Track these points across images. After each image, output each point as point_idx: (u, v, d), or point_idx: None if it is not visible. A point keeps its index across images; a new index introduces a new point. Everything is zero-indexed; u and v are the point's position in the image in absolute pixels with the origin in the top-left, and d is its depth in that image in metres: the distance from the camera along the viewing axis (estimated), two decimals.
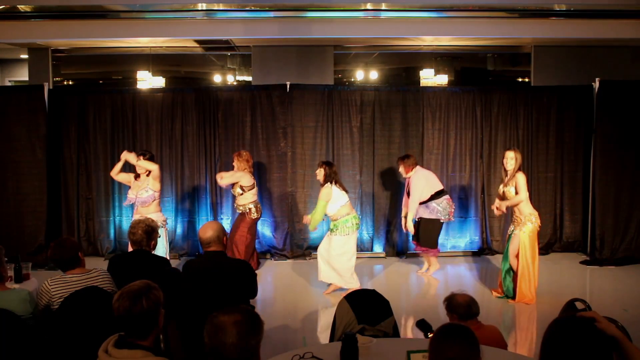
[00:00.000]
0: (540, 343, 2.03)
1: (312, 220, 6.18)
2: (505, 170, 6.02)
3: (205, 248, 3.81)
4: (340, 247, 6.16)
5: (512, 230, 6.04)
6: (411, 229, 6.98)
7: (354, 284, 6.21)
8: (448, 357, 2.07)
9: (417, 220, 7.04)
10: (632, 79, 8.09)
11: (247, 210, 6.88)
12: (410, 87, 8.31)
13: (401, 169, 6.96)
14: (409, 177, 6.93)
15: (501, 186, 6.10)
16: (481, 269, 7.54)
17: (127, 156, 6.34)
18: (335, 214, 6.13)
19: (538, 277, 6.07)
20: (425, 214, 6.96)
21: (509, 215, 6.44)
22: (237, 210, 7.02)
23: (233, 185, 6.94)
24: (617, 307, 5.80)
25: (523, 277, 5.95)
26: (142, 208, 6.18)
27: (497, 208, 6.15)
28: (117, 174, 6.48)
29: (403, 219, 7.12)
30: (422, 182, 6.88)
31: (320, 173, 6.21)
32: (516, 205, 5.95)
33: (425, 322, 3.23)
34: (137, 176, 6.37)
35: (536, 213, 5.99)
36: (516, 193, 5.90)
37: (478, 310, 3.46)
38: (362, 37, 7.92)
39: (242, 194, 6.86)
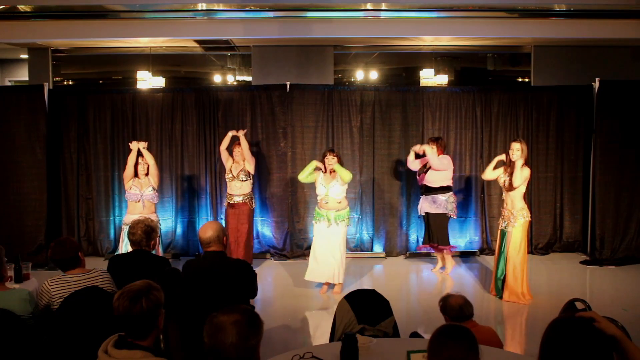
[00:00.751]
0: (540, 343, 2.03)
1: (343, 173, 6.19)
2: (511, 162, 6.00)
3: (205, 248, 3.81)
4: (344, 238, 6.40)
5: (505, 227, 6.03)
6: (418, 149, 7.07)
7: (342, 279, 6.41)
8: (447, 357, 2.07)
9: (422, 215, 7.16)
10: (632, 79, 8.09)
11: (249, 199, 6.95)
12: (410, 87, 8.31)
13: (434, 149, 7.00)
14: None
15: (502, 175, 6.06)
16: (481, 269, 7.53)
17: (139, 145, 6.50)
18: (343, 202, 6.30)
19: (527, 275, 6.14)
20: (432, 208, 7.00)
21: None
22: (235, 200, 6.89)
23: (229, 170, 6.90)
24: (617, 307, 5.80)
25: (515, 274, 5.97)
26: (148, 203, 6.39)
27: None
28: (133, 167, 6.53)
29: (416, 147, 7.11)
30: (445, 164, 6.95)
31: (334, 160, 6.27)
32: (515, 184, 5.89)
33: (418, 334, 3.25)
34: (135, 174, 6.51)
35: (527, 207, 6.05)
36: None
37: (471, 312, 3.47)
38: (362, 37, 7.91)
39: (245, 181, 6.89)
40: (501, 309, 5.97)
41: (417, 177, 7.18)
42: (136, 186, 6.42)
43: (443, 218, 7.01)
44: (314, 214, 6.45)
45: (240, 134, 6.91)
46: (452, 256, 7.45)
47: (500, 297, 6.07)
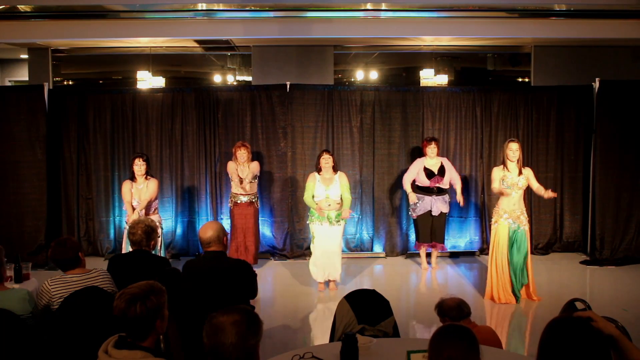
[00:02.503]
0: (538, 343, 2.03)
1: (347, 206, 6.38)
2: (507, 161, 5.94)
3: (205, 248, 3.81)
4: (342, 236, 6.58)
5: (517, 227, 5.92)
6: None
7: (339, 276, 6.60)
8: (448, 357, 2.07)
9: (436, 215, 7.15)
10: (632, 79, 8.09)
11: (255, 199, 7.13)
12: (410, 87, 8.31)
13: (435, 150, 7.15)
14: (442, 159, 7.23)
15: (509, 175, 5.89)
16: (481, 269, 7.53)
17: (134, 216, 6.04)
18: (340, 202, 6.40)
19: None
20: (445, 207, 7.21)
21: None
22: (241, 199, 7.01)
23: (235, 172, 6.98)
24: (617, 307, 5.80)
25: (533, 273, 6.08)
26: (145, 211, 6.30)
27: (550, 192, 5.92)
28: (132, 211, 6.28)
29: (459, 193, 7.12)
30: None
31: (330, 160, 6.41)
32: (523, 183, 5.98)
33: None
34: (133, 178, 6.40)
35: None
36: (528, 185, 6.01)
37: (469, 310, 3.47)
38: (362, 37, 7.92)
39: (252, 183, 7.03)
40: (499, 309, 5.96)
41: (428, 181, 7.11)
42: (135, 197, 6.33)
43: (445, 217, 7.30)
44: (311, 215, 6.46)
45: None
46: (458, 256, 7.60)
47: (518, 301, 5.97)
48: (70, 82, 9.21)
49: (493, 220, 6.07)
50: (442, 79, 8.55)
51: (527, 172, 6.02)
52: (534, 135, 8.10)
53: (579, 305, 2.88)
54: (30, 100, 7.76)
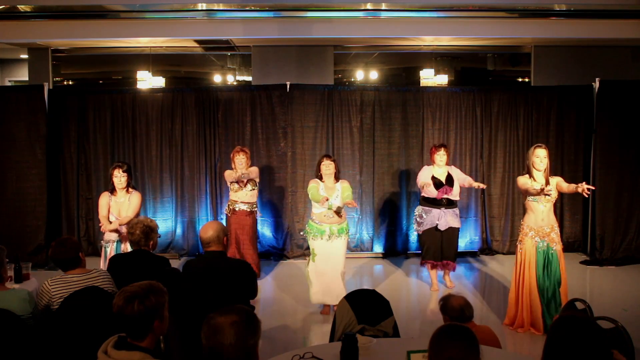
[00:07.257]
0: (544, 341, 2.04)
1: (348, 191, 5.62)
2: (533, 170, 5.16)
3: (205, 248, 3.82)
4: (345, 251, 5.78)
5: (547, 246, 5.13)
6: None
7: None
8: (448, 357, 2.07)
9: (444, 230, 6.35)
10: (632, 79, 8.09)
11: (256, 209, 6.71)
12: (410, 87, 8.32)
13: (445, 157, 6.37)
14: (449, 168, 6.43)
15: (536, 185, 5.11)
16: (481, 269, 7.53)
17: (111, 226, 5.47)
18: (343, 214, 5.72)
19: None
20: (456, 222, 6.42)
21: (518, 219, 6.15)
22: (239, 207, 6.53)
23: (236, 182, 6.51)
24: (617, 307, 5.80)
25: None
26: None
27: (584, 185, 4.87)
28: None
29: (477, 184, 6.30)
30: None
31: (332, 166, 5.67)
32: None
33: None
34: (113, 190, 5.59)
35: None
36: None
37: (472, 314, 3.46)
38: (362, 37, 7.92)
39: (253, 190, 6.60)
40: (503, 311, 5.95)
41: (436, 191, 6.27)
42: (114, 213, 5.50)
43: (457, 232, 6.53)
44: (309, 229, 5.69)
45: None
46: (457, 256, 7.26)
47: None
48: (70, 82, 9.21)
49: (518, 239, 5.32)
50: (442, 79, 8.56)
51: (556, 180, 5.21)
52: (534, 135, 8.09)
53: (579, 305, 2.89)
54: (30, 100, 7.76)
